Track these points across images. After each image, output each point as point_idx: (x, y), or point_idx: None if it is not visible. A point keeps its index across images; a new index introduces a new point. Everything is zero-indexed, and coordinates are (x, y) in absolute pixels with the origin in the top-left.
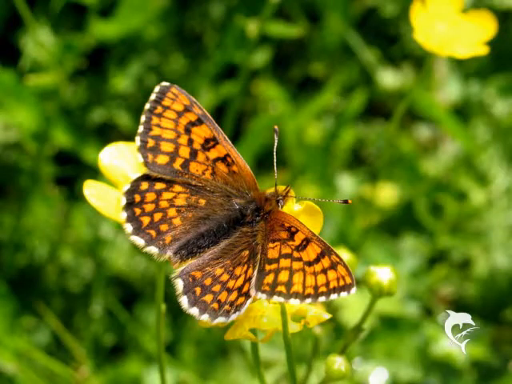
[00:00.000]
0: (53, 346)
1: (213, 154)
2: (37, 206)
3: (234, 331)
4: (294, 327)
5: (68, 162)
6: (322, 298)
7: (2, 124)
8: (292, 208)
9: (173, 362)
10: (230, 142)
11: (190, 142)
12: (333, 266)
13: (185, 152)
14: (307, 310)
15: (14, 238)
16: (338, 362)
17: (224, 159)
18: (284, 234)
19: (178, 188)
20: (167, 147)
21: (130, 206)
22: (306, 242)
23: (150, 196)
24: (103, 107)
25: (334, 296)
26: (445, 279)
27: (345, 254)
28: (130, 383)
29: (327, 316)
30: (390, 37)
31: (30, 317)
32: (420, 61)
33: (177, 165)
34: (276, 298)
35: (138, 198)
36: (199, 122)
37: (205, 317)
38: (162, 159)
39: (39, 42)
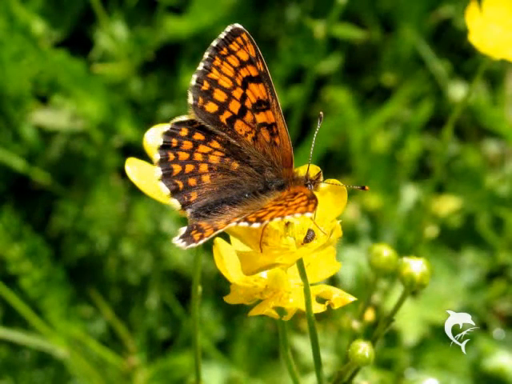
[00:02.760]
0: (107, 336)
1: (261, 117)
2: (100, 196)
3: (259, 308)
4: (318, 308)
5: (134, 155)
6: None
7: (69, 113)
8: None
9: (224, 360)
10: (280, 111)
11: (243, 97)
12: None
13: (235, 107)
14: (332, 291)
15: (76, 227)
16: (362, 348)
17: (269, 127)
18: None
19: (215, 144)
20: (220, 96)
21: (165, 148)
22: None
23: (187, 144)
24: (173, 104)
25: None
26: (502, 295)
27: (385, 251)
28: (180, 377)
29: (352, 298)
30: (463, 50)
31: (87, 306)
32: (493, 76)
33: (223, 118)
34: None
35: (175, 142)
36: (258, 79)
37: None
38: (211, 107)
39: (111, 34)
